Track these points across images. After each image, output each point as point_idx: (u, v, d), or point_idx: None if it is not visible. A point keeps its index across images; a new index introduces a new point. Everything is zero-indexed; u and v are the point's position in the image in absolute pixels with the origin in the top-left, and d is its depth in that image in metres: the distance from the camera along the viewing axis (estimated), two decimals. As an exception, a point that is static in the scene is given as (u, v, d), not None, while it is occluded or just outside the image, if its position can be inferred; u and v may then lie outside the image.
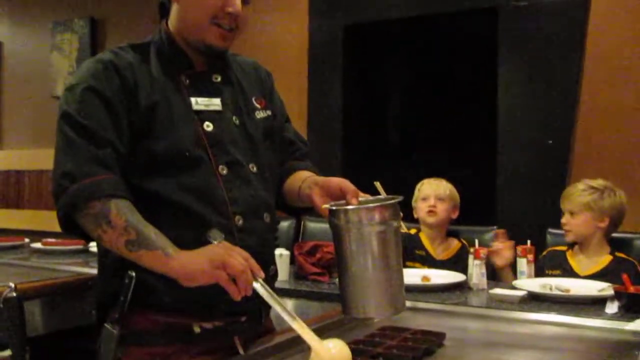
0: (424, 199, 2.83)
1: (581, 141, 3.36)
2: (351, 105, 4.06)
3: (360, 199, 1.37)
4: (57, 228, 4.43)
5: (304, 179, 1.55)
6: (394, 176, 4.18)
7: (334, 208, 1.30)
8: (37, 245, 3.23)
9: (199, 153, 1.43)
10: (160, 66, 1.47)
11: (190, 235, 1.36)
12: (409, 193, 2.87)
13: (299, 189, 1.54)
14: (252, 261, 1.27)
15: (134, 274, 1.38)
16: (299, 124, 4.06)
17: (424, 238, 2.83)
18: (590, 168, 3.21)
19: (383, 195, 1.38)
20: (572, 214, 2.52)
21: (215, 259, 1.26)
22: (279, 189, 1.63)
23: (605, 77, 3.33)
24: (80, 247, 3.19)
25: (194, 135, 1.43)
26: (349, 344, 1.38)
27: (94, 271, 2.51)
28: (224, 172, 1.45)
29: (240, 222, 1.45)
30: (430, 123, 4.37)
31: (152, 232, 1.31)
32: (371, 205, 1.29)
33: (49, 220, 5.01)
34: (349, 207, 1.30)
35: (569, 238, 2.54)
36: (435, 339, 1.50)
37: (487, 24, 3.67)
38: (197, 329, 1.44)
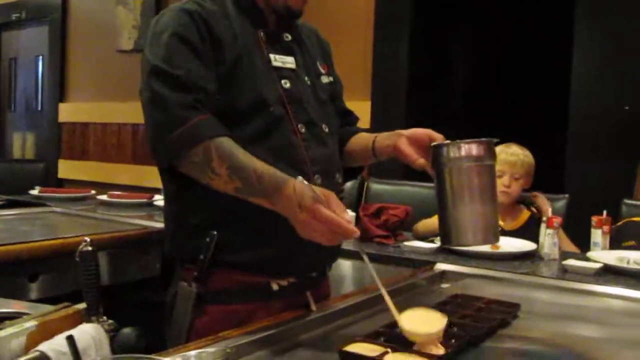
0: (498, 176, 2.53)
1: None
2: (417, 68, 3.95)
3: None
4: (120, 180, 4.52)
5: (375, 135, 1.56)
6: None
7: (445, 142, 1.36)
8: (103, 197, 3.29)
9: (280, 110, 1.42)
10: (239, 19, 1.45)
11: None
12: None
13: (373, 143, 1.54)
14: (341, 222, 1.19)
15: (215, 232, 1.38)
16: (363, 87, 4.03)
17: None
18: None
19: None
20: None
21: (307, 236, 1.23)
22: (340, 151, 1.63)
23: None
24: (144, 200, 3.24)
25: (275, 92, 1.42)
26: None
27: (159, 225, 2.59)
28: (303, 130, 1.45)
29: (319, 181, 1.44)
30: (499, 87, 4.25)
31: (255, 178, 1.26)
32: (478, 141, 1.34)
33: (112, 172, 5.16)
34: (462, 141, 1.34)
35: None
36: (510, 310, 1.46)
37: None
38: (275, 287, 1.45)
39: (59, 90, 5.62)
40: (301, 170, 1.39)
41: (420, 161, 1.39)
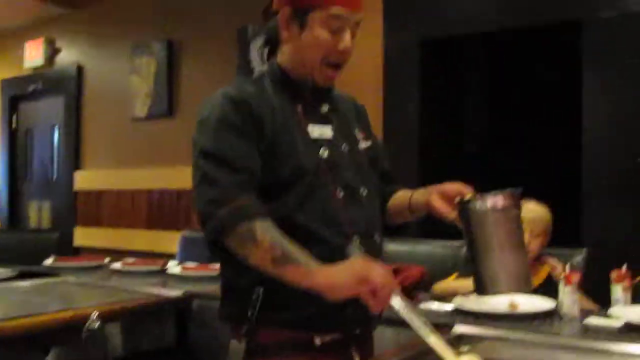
0: None
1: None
2: (428, 121, 3.98)
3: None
4: (135, 246, 4.53)
5: (412, 193, 1.67)
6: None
7: (468, 197, 1.45)
8: (117, 265, 3.28)
9: (318, 178, 1.52)
10: (277, 97, 1.57)
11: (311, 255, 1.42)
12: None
13: (409, 200, 1.65)
14: (390, 275, 1.34)
15: (261, 289, 1.47)
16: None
17: None
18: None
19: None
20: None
21: (358, 273, 1.32)
22: (383, 211, 1.73)
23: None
24: (157, 267, 3.23)
25: (314, 161, 1.53)
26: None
27: (173, 293, 2.59)
28: (341, 194, 1.55)
29: (358, 241, 1.53)
30: (511, 138, 4.24)
31: (295, 249, 1.38)
32: (503, 192, 1.42)
33: (127, 238, 5.17)
34: (483, 195, 1.43)
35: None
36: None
37: (571, 36, 3.53)
38: (317, 342, 1.52)
39: (74, 159, 5.69)
40: (341, 231, 1.51)
41: (452, 215, 1.49)
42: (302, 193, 1.49)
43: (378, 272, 1.33)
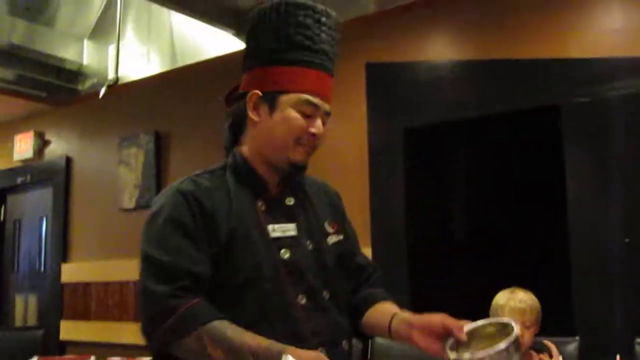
0: None
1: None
2: (414, 208, 3.99)
3: (465, 328, 1.33)
4: (123, 339, 4.42)
5: (392, 315, 1.52)
6: (463, 280, 4.08)
7: (465, 356, 1.28)
8: (103, 364, 3.20)
9: (277, 283, 1.42)
10: (237, 192, 1.48)
11: None
12: (479, 293, 2.69)
13: (389, 326, 1.50)
14: None
15: None
16: (361, 229, 4.00)
17: None
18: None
19: None
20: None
21: None
22: (357, 319, 1.59)
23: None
24: (145, 366, 3.15)
25: (273, 265, 1.43)
26: None
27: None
28: (303, 301, 1.45)
29: (323, 352, 1.39)
30: (497, 223, 4.26)
31: (250, 357, 1.27)
32: (496, 349, 1.25)
33: (115, 331, 5.06)
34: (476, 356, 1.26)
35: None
36: None
37: (550, 121, 3.61)
38: None
39: (62, 250, 5.64)
40: (304, 345, 1.36)
41: (443, 355, 1.34)
42: (260, 301, 1.40)
43: None
